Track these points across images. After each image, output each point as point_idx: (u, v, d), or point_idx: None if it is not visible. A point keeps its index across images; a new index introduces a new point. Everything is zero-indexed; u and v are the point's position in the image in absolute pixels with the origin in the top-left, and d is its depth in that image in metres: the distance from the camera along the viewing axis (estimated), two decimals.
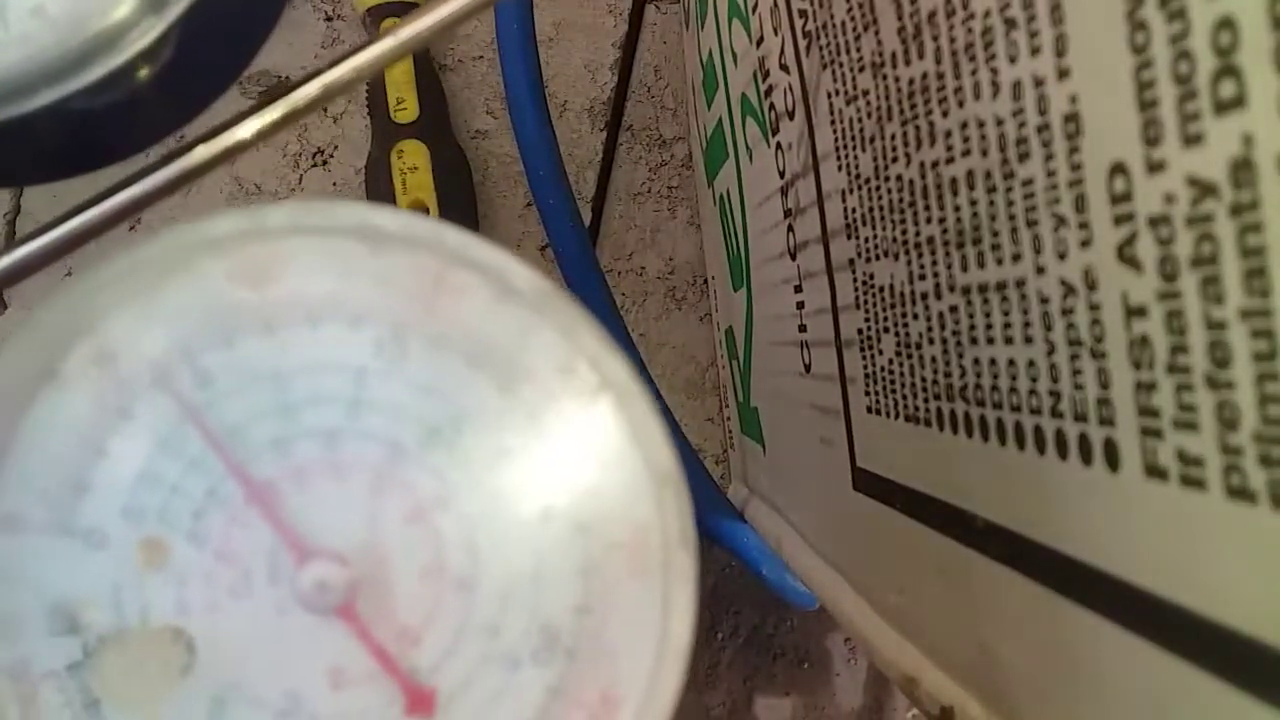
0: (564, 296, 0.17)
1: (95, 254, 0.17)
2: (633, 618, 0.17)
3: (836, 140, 0.26)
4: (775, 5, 0.30)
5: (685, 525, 0.17)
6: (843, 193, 0.26)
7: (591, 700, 0.17)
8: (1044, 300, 0.17)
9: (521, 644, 0.17)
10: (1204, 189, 0.13)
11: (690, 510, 0.17)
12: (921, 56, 0.20)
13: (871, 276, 0.25)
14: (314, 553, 0.17)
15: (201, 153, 0.18)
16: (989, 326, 0.19)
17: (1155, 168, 0.14)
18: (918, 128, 0.21)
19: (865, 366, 0.26)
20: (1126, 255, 0.15)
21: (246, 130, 0.18)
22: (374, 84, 0.49)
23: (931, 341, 0.22)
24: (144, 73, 0.17)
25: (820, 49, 0.26)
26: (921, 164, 0.21)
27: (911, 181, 0.22)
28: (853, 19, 0.24)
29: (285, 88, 0.18)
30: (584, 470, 0.17)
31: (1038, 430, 0.18)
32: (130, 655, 0.17)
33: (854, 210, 0.26)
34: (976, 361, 0.20)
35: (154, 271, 0.17)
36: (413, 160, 0.47)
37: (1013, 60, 0.17)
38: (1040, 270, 0.17)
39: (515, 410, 0.17)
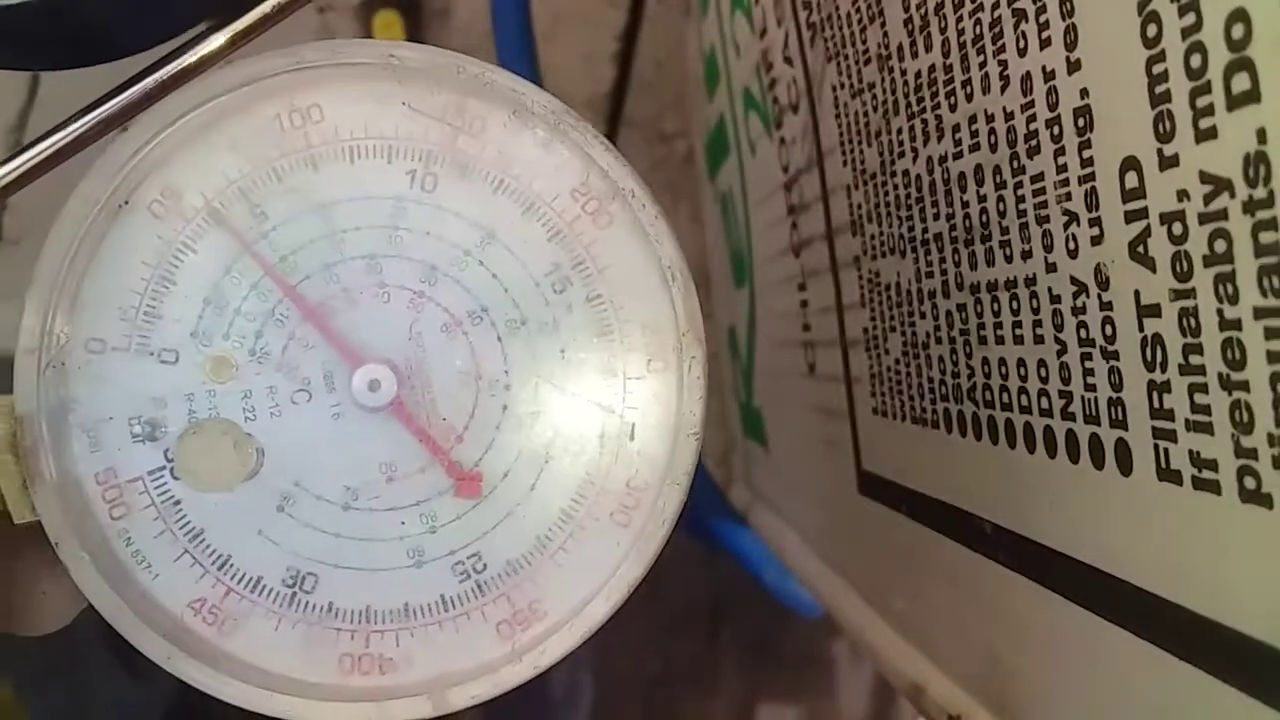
0: (576, 115, 0.19)
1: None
2: (651, 404, 0.20)
3: (841, 134, 0.26)
4: None
5: (693, 315, 0.20)
6: (848, 188, 0.26)
7: (618, 485, 0.20)
8: (1055, 299, 0.17)
9: (553, 438, 0.20)
10: (1217, 185, 0.13)
11: (696, 301, 0.20)
12: (929, 49, 0.20)
13: (877, 274, 0.25)
14: (364, 359, 0.19)
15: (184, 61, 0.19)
16: (998, 325, 0.19)
17: (1168, 163, 0.14)
18: (925, 122, 0.21)
19: (871, 367, 0.26)
20: (1139, 253, 0.15)
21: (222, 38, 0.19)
22: None
23: (939, 341, 0.22)
24: None
25: (825, 41, 0.26)
26: (929, 159, 0.21)
27: (918, 177, 0.22)
28: (858, 10, 0.24)
29: None
30: (601, 276, 0.20)
31: (1048, 432, 0.18)
32: (204, 442, 0.19)
33: (859, 206, 0.26)
34: (985, 361, 0.20)
35: (211, 114, 0.19)
36: None
37: (1022, 53, 0.17)
38: (1051, 268, 0.17)
39: (537, 229, 0.20)
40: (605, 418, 0.20)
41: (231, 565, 0.19)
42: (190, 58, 0.18)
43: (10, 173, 0.18)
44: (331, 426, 0.20)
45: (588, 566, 0.20)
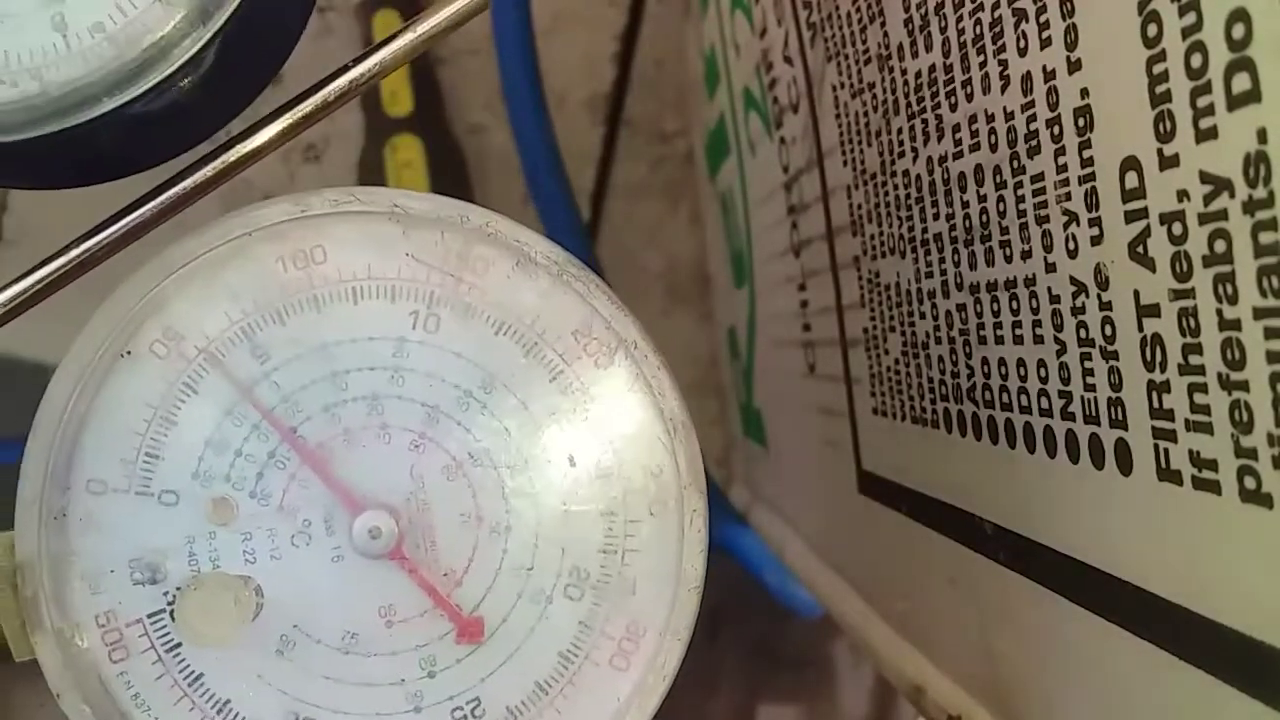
0: (580, 265, 0.20)
1: (160, 241, 0.19)
2: (652, 555, 0.20)
3: (841, 134, 0.26)
4: None
5: (696, 468, 0.20)
6: (848, 188, 0.26)
7: (617, 631, 0.20)
8: (1054, 299, 0.17)
9: (554, 582, 0.20)
10: (1218, 185, 0.13)
11: (699, 454, 0.20)
12: (929, 48, 0.20)
13: (877, 274, 0.25)
14: (365, 505, 0.19)
15: (206, 172, 0.20)
16: (998, 325, 0.19)
17: (1168, 163, 0.14)
18: (925, 122, 0.21)
19: (871, 367, 0.26)
20: (1138, 253, 0.15)
21: (261, 138, 0.20)
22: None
23: (939, 341, 0.22)
24: (189, 80, 0.19)
25: (825, 41, 0.26)
26: (929, 159, 0.21)
27: (918, 177, 0.22)
28: (859, 10, 0.23)
29: (299, 96, 0.20)
30: (603, 422, 0.20)
31: (1048, 432, 0.18)
32: (206, 595, 0.19)
33: (859, 206, 0.25)
34: (985, 361, 0.20)
35: (214, 257, 0.19)
36: (406, 155, 0.47)
37: (1022, 52, 0.17)
38: (1050, 268, 0.17)
39: (539, 371, 0.20)
40: (605, 562, 0.20)
41: (231, 710, 0.19)
42: (200, 175, 0.19)
43: (24, 293, 0.19)
44: (331, 570, 0.20)
45: (587, 714, 0.20)
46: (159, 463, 0.19)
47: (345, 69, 0.20)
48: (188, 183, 0.19)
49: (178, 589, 0.19)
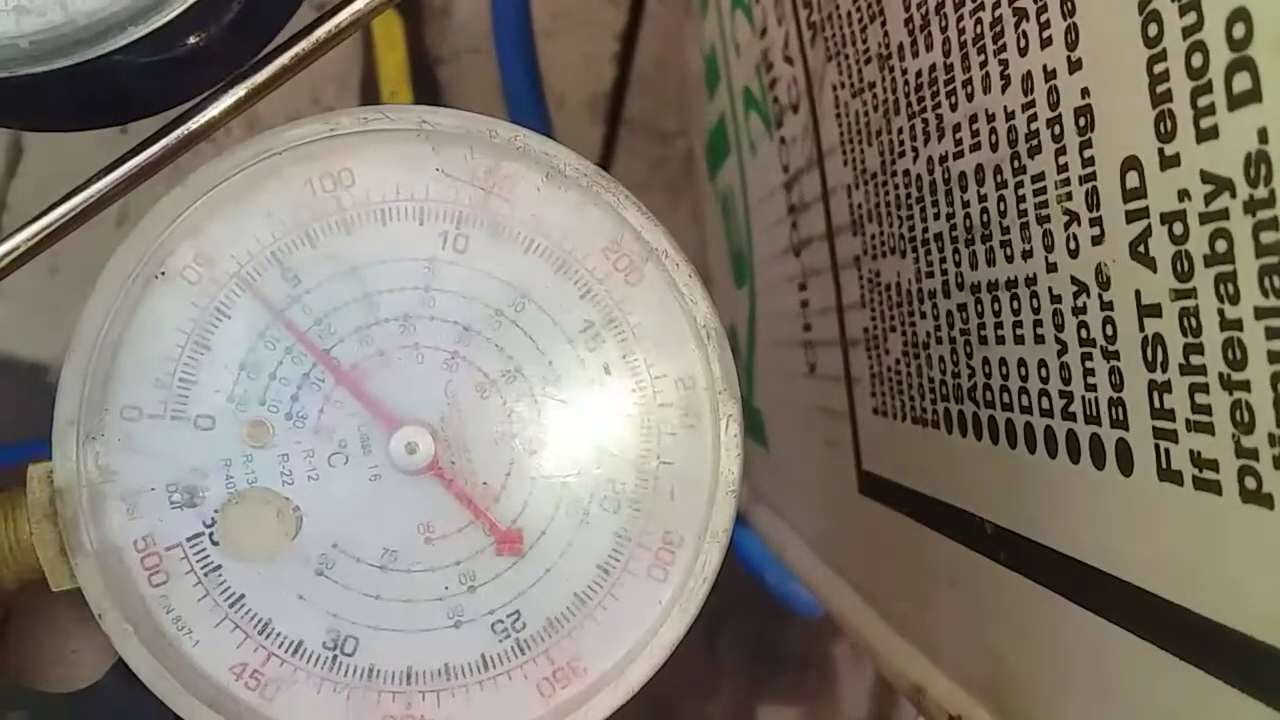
0: (609, 177, 0.20)
1: (192, 164, 0.19)
2: (687, 464, 0.20)
3: (842, 134, 0.26)
4: None
5: (729, 374, 0.20)
6: (848, 188, 0.26)
7: (654, 542, 0.20)
8: (1055, 298, 0.17)
9: (590, 495, 0.20)
10: (1219, 185, 0.13)
11: (731, 360, 0.20)
12: (929, 48, 0.20)
13: (878, 274, 0.25)
14: (401, 421, 0.19)
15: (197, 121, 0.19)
16: (998, 325, 0.19)
17: (1169, 163, 0.14)
18: (925, 121, 0.21)
19: (871, 367, 0.26)
20: (1139, 252, 0.15)
21: (265, 74, 0.19)
22: (365, 75, 0.49)
23: (939, 341, 0.22)
24: (211, 12, 0.19)
25: (825, 40, 0.26)
26: (929, 158, 0.21)
27: (919, 176, 0.22)
28: (859, 9, 0.23)
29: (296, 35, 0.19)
30: (635, 334, 0.20)
31: (1049, 432, 0.18)
32: (248, 510, 0.19)
33: (860, 206, 0.25)
34: (985, 361, 0.20)
35: (244, 180, 0.19)
36: None
37: (1023, 52, 0.17)
38: (1051, 268, 0.17)
39: (569, 288, 0.20)
40: (641, 474, 0.20)
41: (272, 629, 0.20)
42: (206, 116, 0.19)
43: (42, 231, 0.19)
44: (369, 489, 0.20)
45: (627, 622, 0.20)
46: (194, 387, 0.19)
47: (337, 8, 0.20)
48: (171, 137, 0.19)
49: (216, 512, 0.19)
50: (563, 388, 0.20)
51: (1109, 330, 0.16)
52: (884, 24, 0.22)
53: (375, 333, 0.20)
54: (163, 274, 0.19)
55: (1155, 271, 0.14)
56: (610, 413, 0.20)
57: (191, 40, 0.18)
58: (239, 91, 0.19)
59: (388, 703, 0.20)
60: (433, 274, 0.20)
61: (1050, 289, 0.17)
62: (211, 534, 0.19)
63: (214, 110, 0.19)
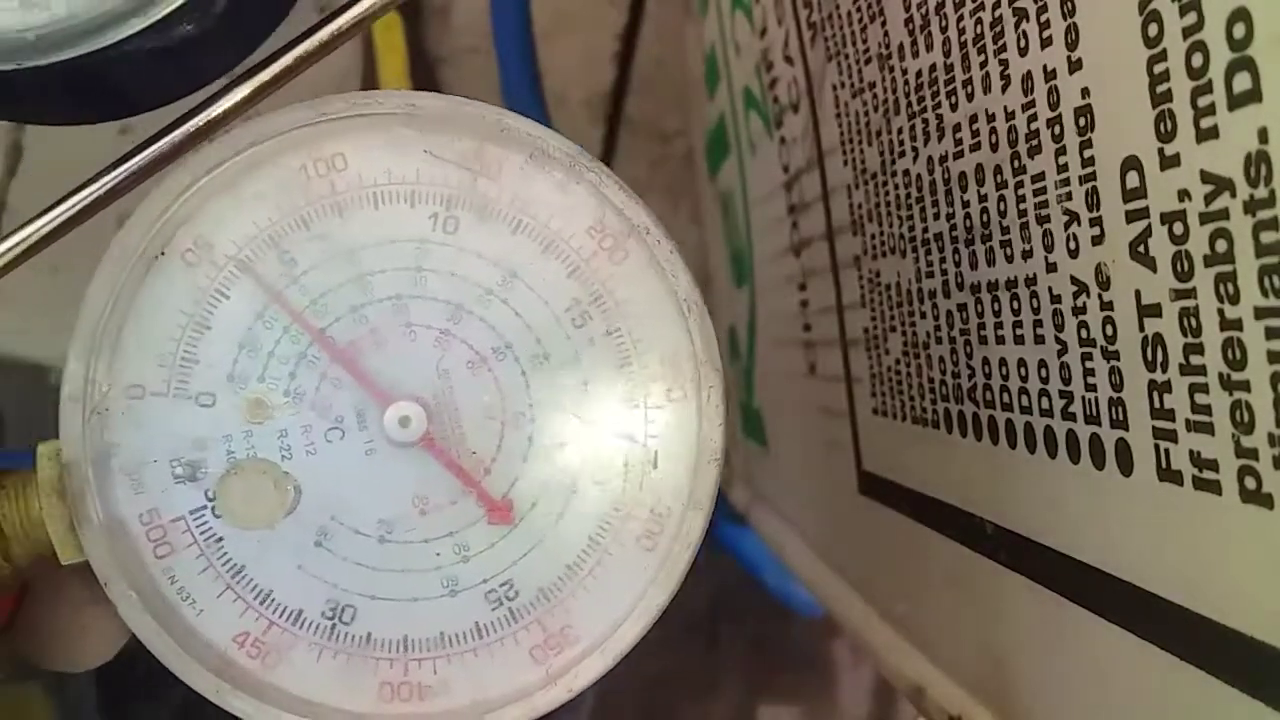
0: (592, 157, 0.20)
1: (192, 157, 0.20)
2: (673, 436, 0.20)
3: (842, 134, 0.26)
4: None
5: (710, 345, 0.20)
6: (848, 188, 0.26)
7: (642, 513, 0.20)
8: (1055, 298, 0.17)
9: (578, 468, 0.20)
10: (1219, 185, 0.13)
11: (712, 332, 0.20)
12: (929, 48, 0.20)
13: (878, 274, 0.25)
14: (394, 397, 0.20)
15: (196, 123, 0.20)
16: (998, 325, 0.19)
17: (1169, 163, 0.14)
18: (925, 121, 0.21)
19: (871, 367, 0.26)
20: (1139, 252, 0.15)
21: (268, 74, 0.20)
22: (366, 76, 0.49)
23: (939, 341, 0.22)
24: (211, 6, 0.19)
25: (826, 40, 0.26)
26: (929, 158, 0.21)
27: (919, 176, 0.22)
28: (859, 9, 0.23)
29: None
30: (619, 310, 0.20)
31: (1049, 432, 0.18)
32: (246, 479, 0.20)
33: (860, 206, 0.25)
34: (985, 361, 0.20)
35: (239, 165, 0.20)
36: None
37: (1023, 52, 0.17)
38: (1051, 268, 0.17)
39: (556, 266, 0.20)
40: (628, 447, 0.20)
41: (273, 599, 0.20)
42: (207, 115, 0.19)
43: (42, 230, 0.19)
44: (365, 462, 0.20)
45: (616, 591, 0.20)
46: (195, 366, 0.20)
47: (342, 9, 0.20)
48: (176, 135, 0.20)
49: (218, 481, 0.20)
50: (551, 363, 0.20)
51: (1109, 330, 0.16)
52: (884, 24, 0.22)
53: (369, 312, 0.20)
54: (163, 254, 0.20)
55: (1155, 271, 0.14)
56: (598, 387, 0.20)
57: (191, 29, 0.18)
58: (241, 91, 0.19)
59: (385, 669, 0.20)
60: (424, 254, 0.20)
61: (1050, 289, 0.17)
62: (213, 507, 0.20)
63: (215, 110, 0.19)
